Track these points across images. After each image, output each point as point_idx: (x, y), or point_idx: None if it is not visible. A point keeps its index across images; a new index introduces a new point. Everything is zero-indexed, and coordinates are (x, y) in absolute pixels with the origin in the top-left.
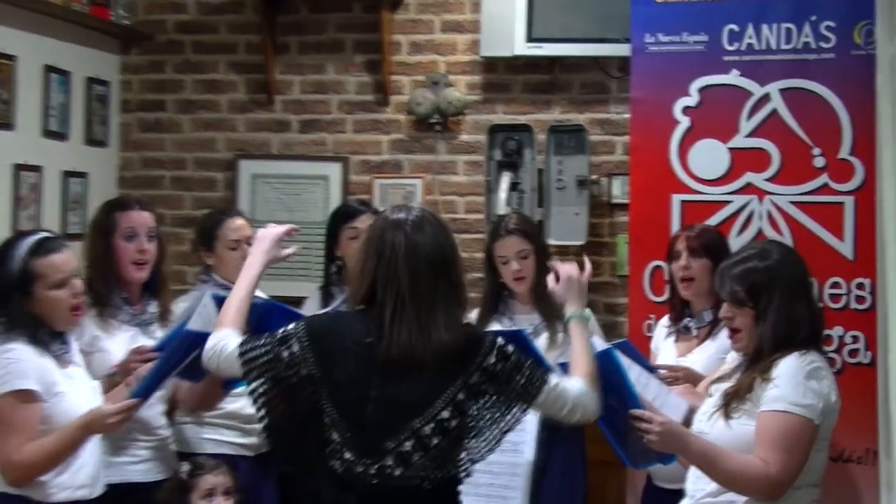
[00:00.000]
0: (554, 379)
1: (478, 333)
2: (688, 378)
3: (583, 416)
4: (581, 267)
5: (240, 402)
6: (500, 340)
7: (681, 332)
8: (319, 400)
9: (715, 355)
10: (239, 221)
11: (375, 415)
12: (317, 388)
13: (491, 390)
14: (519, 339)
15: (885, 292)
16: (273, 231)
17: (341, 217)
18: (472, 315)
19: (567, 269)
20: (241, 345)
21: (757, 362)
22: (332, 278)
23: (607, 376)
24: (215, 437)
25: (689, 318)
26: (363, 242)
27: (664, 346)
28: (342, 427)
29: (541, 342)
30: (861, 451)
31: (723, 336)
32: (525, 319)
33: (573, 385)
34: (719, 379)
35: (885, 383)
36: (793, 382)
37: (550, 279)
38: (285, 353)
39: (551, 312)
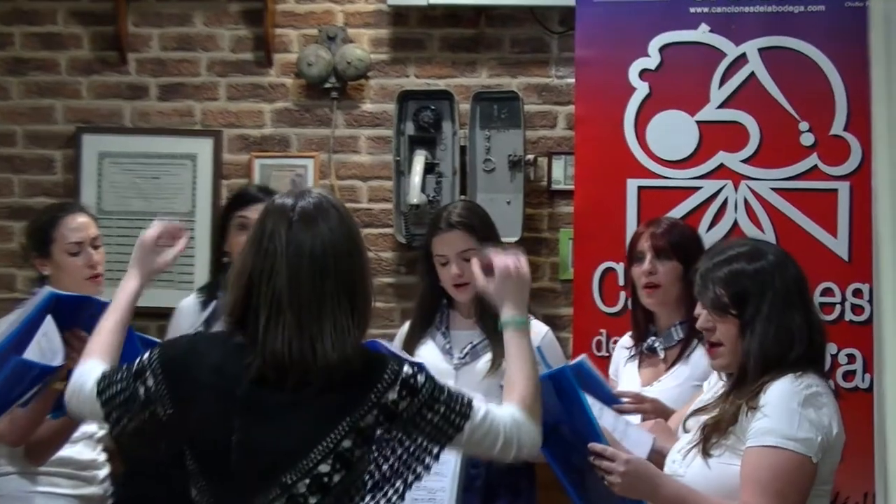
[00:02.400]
0: (480, 410)
1: (377, 358)
2: (656, 412)
3: (518, 452)
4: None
5: (77, 447)
6: (406, 370)
7: (645, 355)
8: (179, 446)
9: (687, 383)
10: (81, 219)
11: (239, 465)
12: (175, 431)
13: (391, 433)
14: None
15: (879, 300)
16: (147, 235)
17: (231, 203)
18: (404, 328)
19: (504, 260)
20: (100, 380)
21: (742, 385)
22: (218, 279)
23: (559, 402)
24: (48, 490)
25: (654, 337)
26: (246, 240)
27: (626, 373)
28: (201, 479)
29: (480, 365)
30: (859, 496)
31: (697, 358)
32: (464, 336)
33: (505, 413)
34: (699, 411)
35: (882, 411)
36: (786, 411)
37: (478, 273)
38: (141, 390)
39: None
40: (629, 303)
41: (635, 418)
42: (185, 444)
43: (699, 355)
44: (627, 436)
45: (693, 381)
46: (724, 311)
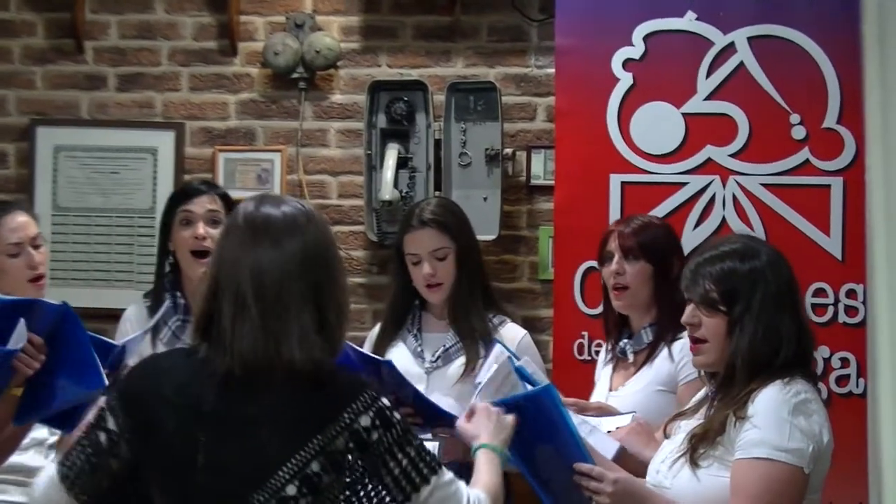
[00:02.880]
0: (448, 472)
1: (351, 379)
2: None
3: None
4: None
5: (28, 454)
6: (383, 400)
7: (619, 359)
8: (146, 479)
9: (649, 388)
10: (20, 218)
11: (206, 486)
12: (140, 464)
13: (358, 468)
14: (388, 369)
15: (872, 300)
16: None
17: (173, 198)
18: (374, 331)
19: (488, 406)
20: (60, 464)
21: (728, 388)
22: (163, 281)
23: (541, 421)
24: None
25: (626, 340)
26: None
27: (602, 376)
28: (166, 503)
29: (453, 370)
30: None
31: (660, 362)
32: (436, 339)
33: (472, 491)
34: (679, 416)
35: (875, 417)
36: (775, 421)
37: (461, 419)
38: (103, 437)
39: (471, 332)
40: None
41: (625, 419)
42: (150, 469)
43: (663, 359)
44: (589, 442)
45: (656, 386)
46: (712, 306)
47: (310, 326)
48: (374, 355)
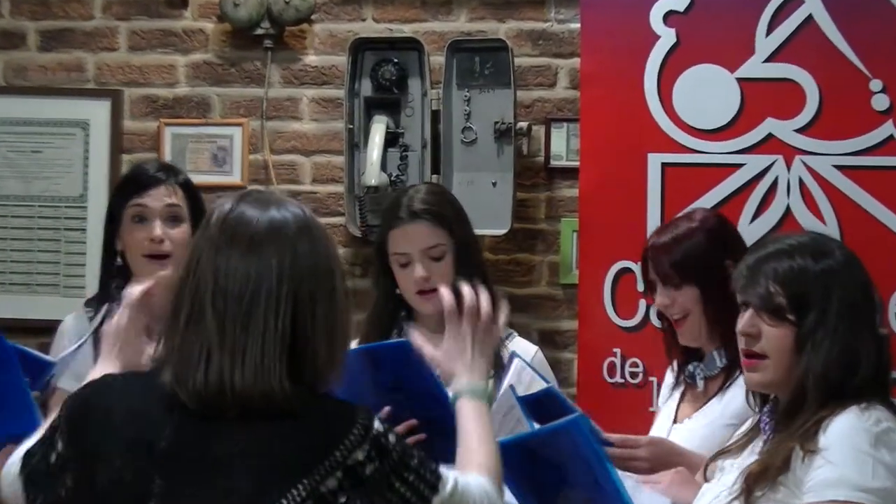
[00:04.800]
0: (449, 479)
1: (341, 407)
2: (654, 460)
3: None
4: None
5: None
6: (377, 426)
7: (689, 385)
8: None
9: (718, 422)
10: None
11: None
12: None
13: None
14: (404, 352)
15: None
16: (133, 294)
17: (123, 188)
18: (353, 344)
19: (449, 300)
20: (26, 453)
21: (792, 416)
22: (109, 288)
23: (566, 461)
24: None
25: (695, 363)
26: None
27: (665, 406)
28: None
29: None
30: None
31: (734, 391)
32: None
33: (475, 483)
34: (722, 454)
35: None
36: (854, 455)
37: (428, 347)
38: (52, 457)
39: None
40: (650, 313)
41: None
42: None
43: (737, 387)
44: (638, 502)
45: (725, 420)
46: (778, 315)
47: (275, 351)
48: (379, 343)
